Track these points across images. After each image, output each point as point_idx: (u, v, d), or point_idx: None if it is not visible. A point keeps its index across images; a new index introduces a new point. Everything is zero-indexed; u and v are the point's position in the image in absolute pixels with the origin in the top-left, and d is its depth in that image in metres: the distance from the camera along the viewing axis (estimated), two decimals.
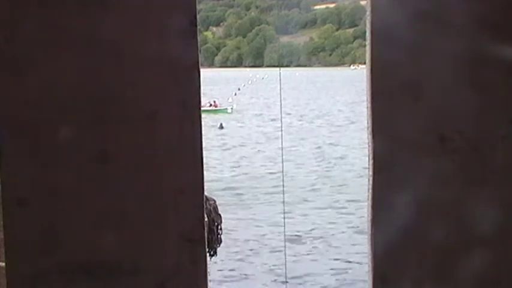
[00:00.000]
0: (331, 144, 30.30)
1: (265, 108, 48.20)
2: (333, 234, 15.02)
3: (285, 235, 11.75)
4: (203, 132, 1.94)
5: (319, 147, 29.16)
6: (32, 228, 1.97)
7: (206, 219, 2.05)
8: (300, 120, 40.79)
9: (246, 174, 22.87)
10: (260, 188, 20.21)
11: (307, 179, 21.72)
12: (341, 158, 26.13)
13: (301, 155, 26.94)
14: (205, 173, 1.96)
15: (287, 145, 25.85)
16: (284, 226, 11.53)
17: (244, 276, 12.34)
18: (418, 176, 1.94)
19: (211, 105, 43.79)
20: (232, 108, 45.52)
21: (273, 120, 39.29)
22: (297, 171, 22.94)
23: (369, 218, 1.98)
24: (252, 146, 30.26)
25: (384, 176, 1.95)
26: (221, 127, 35.29)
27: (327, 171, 23.56)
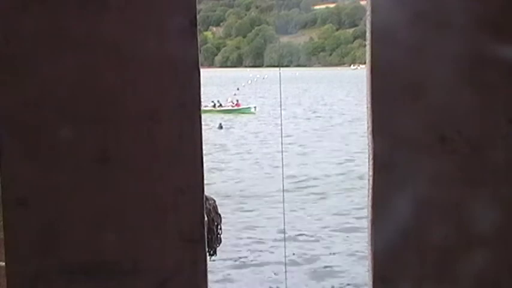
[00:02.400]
0: None
1: (270, 107, 47.68)
2: None
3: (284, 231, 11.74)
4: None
5: None
6: (32, 228, 1.97)
7: (206, 219, 2.05)
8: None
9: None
10: None
11: None
12: None
13: None
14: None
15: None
16: (284, 225, 11.51)
17: None
18: (418, 176, 1.94)
19: (233, 104, 43.26)
20: (255, 108, 43.47)
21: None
22: None
23: (369, 218, 1.98)
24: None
25: (384, 176, 1.95)
26: (220, 127, 35.10)
27: None
